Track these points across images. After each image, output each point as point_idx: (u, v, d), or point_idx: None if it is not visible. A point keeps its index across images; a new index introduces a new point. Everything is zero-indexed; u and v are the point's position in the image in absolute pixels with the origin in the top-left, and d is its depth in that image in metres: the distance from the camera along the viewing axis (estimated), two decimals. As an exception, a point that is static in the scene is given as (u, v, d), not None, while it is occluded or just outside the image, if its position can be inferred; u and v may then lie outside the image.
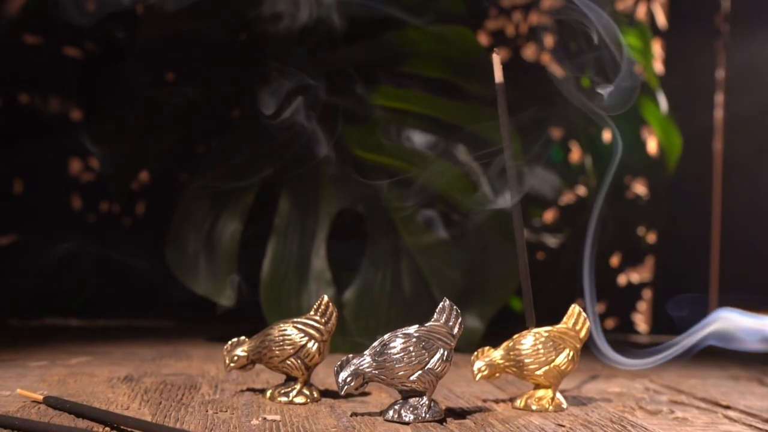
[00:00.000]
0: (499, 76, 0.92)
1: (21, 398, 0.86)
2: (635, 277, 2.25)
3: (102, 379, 1.01)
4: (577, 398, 1.00)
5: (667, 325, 2.11)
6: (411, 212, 1.38)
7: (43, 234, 1.88)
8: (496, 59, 0.92)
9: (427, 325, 0.84)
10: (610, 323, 2.27)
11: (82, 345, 1.32)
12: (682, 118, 2.06)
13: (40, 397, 0.83)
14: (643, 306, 2.27)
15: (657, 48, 2.24)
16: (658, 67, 2.23)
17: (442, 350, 0.83)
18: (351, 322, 1.33)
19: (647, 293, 2.25)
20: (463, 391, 1.02)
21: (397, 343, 0.83)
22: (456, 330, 0.85)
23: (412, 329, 0.84)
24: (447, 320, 0.85)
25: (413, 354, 0.82)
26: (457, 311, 0.85)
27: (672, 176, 1.98)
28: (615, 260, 2.18)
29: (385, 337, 0.84)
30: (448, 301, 0.86)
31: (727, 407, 0.97)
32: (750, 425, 0.86)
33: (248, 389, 0.98)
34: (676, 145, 1.93)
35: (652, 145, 2.12)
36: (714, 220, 2.14)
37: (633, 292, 2.24)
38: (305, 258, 1.34)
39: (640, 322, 2.28)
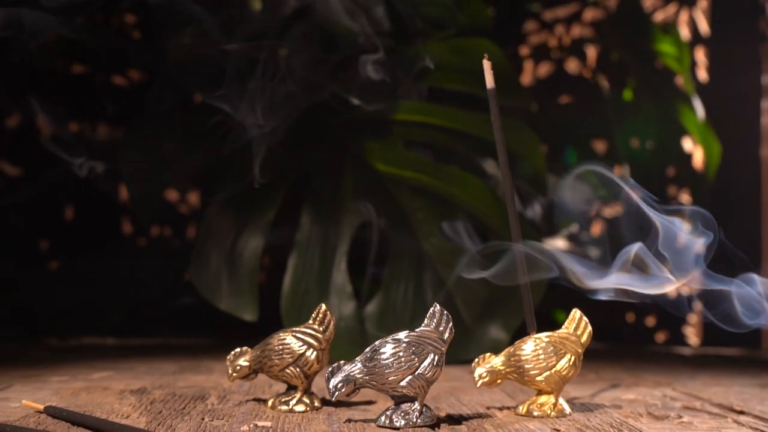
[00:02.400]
0: (490, 81, 0.92)
1: (26, 409, 0.89)
2: (685, 289, 2.20)
3: (115, 391, 1.03)
4: (587, 405, 0.99)
5: (719, 337, 2.07)
6: (433, 225, 1.39)
7: (90, 258, 1.94)
8: (487, 65, 0.92)
9: (417, 330, 0.84)
10: (660, 337, 2.23)
11: (108, 361, 1.35)
12: (728, 125, 2.03)
13: (42, 407, 0.85)
14: (693, 318, 2.23)
15: (700, 55, 2.21)
16: (702, 74, 2.20)
17: (432, 355, 0.83)
18: (373, 336, 1.33)
19: (698, 306, 2.20)
20: (471, 399, 1.02)
21: (387, 349, 0.83)
22: (446, 335, 0.85)
23: (403, 335, 0.84)
24: (437, 325, 0.85)
25: (403, 359, 0.82)
26: (447, 316, 0.85)
27: (712, 183, 1.95)
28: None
29: (377, 343, 0.84)
30: (438, 306, 0.86)
31: (741, 413, 0.95)
32: (757, 429, 0.84)
33: (254, 399, 0.99)
34: (716, 152, 1.90)
35: (697, 155, 2.09)
36: (764, 228, 2.09)
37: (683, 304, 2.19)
38: (326, 271, 1.35)
39: (691, 335, 2.23)
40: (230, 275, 1.34)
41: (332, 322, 0.93)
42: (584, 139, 2.12)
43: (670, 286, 0.89)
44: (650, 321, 2.24)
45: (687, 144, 2.08)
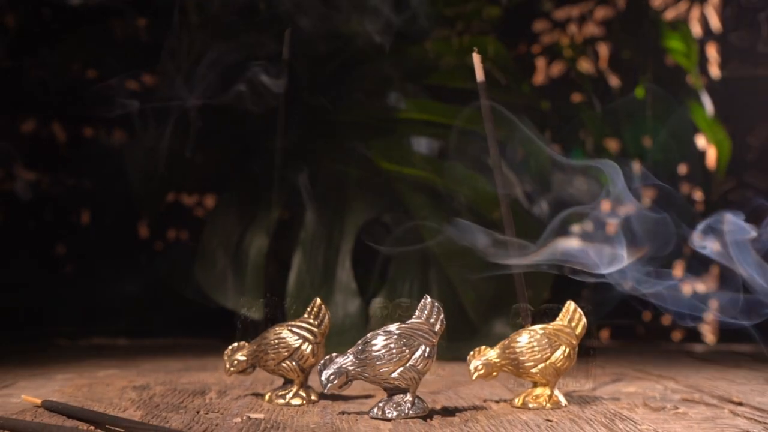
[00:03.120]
0: (480, 75, 0.92)
1: (24, 403, 0.90)
2: (701, 287, 2.19)
3: (117, 388, 1.04)
4: (585, 397, 0.99)
5: (734, 335, 2.05)
6: (438, 222, 1.39)
7: (104, 262, 1.96)
8: (477, 58, 0.92)
9: (408, 322, 0.85)
10: (677, 335, 2.21)
11: (116, 360, 1.36)
12: (740, 121, 2.02)
13: (40, 402, 0.87)
14: (709, 316, 2.21)
15: (712, 52, 2.20)
16: (714, 70, 2.18)
17: (423, 347, 0.84)
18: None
19: (713, 303, 2.19)
20: (469, 393, 1.02)
21: (379, 341, 0.84)
22: (437, 327, 0.85)
23: (394, 327, 0.84)
24: (428, 317, 0.85)
25: (394, 351, 0.83)
26: (438, 308, 0.86)
27: (724, 179, 1.94)
28: (678, 271, 2.13)
29: (368, 335, 0.85)
30: (429, 299, 0.86)
31: (739, 404, 0.94)
32: (752, 419, 0.84)
33: (252, 393, 0.99)
34: (726, 148, 1.88)
35: (709, 152, 2.08)
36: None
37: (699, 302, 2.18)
38: (331, 270, 1.35)
39: (707, 332, 2.22)
40: (236, 274, 1.35)
41: (327, 316, 0.93)
42: (596, 137, 2.11)
43: (617, 264, 0.89)
44: (666, 319, 2.23)
45: (698, 141, 2.07)
